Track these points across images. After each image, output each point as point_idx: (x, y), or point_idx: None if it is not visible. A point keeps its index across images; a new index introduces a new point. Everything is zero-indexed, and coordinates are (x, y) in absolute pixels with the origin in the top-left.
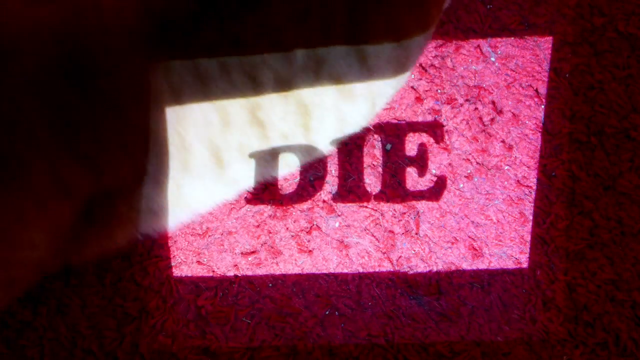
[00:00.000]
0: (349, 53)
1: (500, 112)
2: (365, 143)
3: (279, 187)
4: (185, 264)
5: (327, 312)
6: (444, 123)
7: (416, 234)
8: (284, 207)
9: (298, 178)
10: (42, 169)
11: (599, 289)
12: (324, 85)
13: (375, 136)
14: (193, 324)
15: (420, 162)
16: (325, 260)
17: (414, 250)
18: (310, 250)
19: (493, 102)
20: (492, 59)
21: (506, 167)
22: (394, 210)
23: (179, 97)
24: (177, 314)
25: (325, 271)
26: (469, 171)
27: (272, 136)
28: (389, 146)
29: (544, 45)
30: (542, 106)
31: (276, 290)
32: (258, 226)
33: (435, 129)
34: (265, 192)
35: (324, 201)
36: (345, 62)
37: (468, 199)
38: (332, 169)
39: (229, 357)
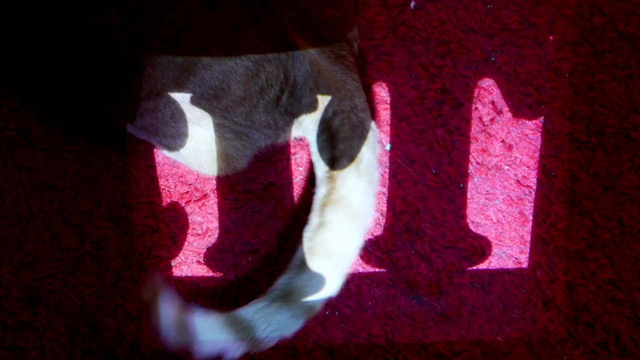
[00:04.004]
0: None
1: (500, 112)
2: None
3: (279, 186)
4: (185, 264)
5: (327, 312)
6: (444, 123)
7: (416, 234)
8: (284, 207)
9: (298, 178)
10: None
11: (599, 289)
12: None
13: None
14: None
15: (420, 162)
16: None
17: (414, 250)
18: None
19: (493, 102)
20: (492, 58)
21: (506, 167)
22: (394, 210)
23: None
24: None
25: None
26: (469, 171)
27: None
28: (388, 146)
29: (544, 45)
30: (542, 106)
31: None
32: (258, 226)
33: (435, 129)
34: (265, 191)
35: None
36: None
37: (468, 199)
38: None
39: None
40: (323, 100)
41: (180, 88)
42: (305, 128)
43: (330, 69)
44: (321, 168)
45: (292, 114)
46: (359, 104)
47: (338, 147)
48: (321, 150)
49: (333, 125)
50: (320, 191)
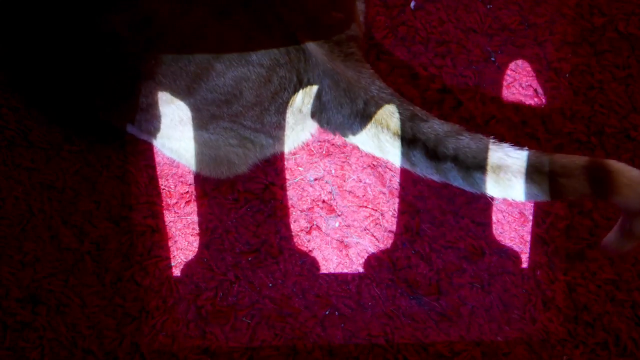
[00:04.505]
0: None
1: (500, 112)
2: None
3: (279, 186)
4: (185, 264)
5: (327, 312)
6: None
7: (416, 234)
8: (284, 207)
9: (298, 178)
10: None
11: (599, 289)
12: None
13: None
14: (193, 324)
15: None
16: (325, 260)
17: (414, 250)
18: (310, 250)
19: (493, 102)
20: (492, 58)
21: None
22: (394, 210)
23: None
24: (177, 314)
25: (325, 271)
26: None
27: None
28: None
29: (544, 45)
30: (542, 106)
31: (276, 290)
32: (258, 226)
33: None
34: (265, 192)
35: (323, 201)
36: None
37: (468, 198)
38: (332, 168)
39: (229, 357)
40: (347, 95)
41: (191, 95)
42: (338, 125)
43: (343, 66)
44: (391, 143)
45: (309, 114)
46: (382, 84)
47: (392, 122)
48: (381, 135)
49: (371, 112)
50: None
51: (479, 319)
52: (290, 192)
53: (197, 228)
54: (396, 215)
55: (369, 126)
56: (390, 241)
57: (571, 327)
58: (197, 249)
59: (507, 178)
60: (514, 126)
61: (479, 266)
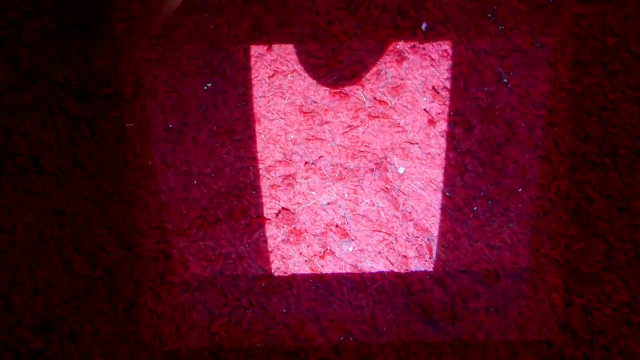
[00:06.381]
0: None
1: (513, 134)
2: (378, 166)
3: (292, 211)
4: (198, 290)
5: (341, 338)
6: (457, 145)
7: (430, 257)
8: (297, 232)
9: (311, 202)
10: None
11: (614, 312)
12: None
13: (388, 159)
14: (207, 351)
15: (434, 185)
16: (339, 285)
17: (428, 274)
18: (324, 275)
19: (505, 124)
20: (505, 80)
21: (520, 189)
22: (408, 234)
23: None
24: (190, 340)
25: (339, 296)
26: (482, 193)
27: None
28: (402, 169)
29: (556, 65)
30: (555, 127)
31: (290, 316)
32: (271, 251)
33: (447, 152)
34: (278, 216)
35: (337, 225)
36: None
37: (482, 221)
38: (345, 192)
39: None
40: None
41: None
42: None
43: None
44: None
45: None
46: None
47: None
48: None
49: None
50: None
51: (495, 343)
52: (303, 217)
53: (210, 253)
54: (410, 239)
55: None
56: (404, 265)
57: (587, 350)
58: (210, 275)
59: None
60: (527, 148)
61: (494, 290)
